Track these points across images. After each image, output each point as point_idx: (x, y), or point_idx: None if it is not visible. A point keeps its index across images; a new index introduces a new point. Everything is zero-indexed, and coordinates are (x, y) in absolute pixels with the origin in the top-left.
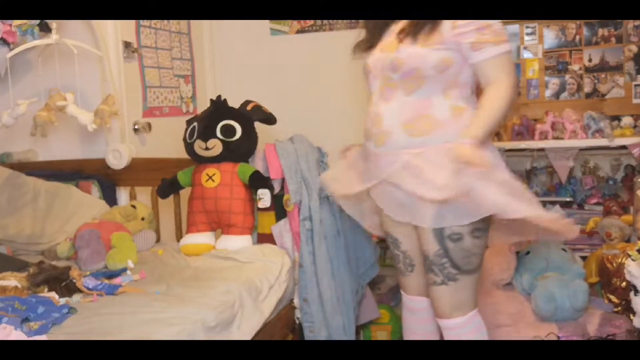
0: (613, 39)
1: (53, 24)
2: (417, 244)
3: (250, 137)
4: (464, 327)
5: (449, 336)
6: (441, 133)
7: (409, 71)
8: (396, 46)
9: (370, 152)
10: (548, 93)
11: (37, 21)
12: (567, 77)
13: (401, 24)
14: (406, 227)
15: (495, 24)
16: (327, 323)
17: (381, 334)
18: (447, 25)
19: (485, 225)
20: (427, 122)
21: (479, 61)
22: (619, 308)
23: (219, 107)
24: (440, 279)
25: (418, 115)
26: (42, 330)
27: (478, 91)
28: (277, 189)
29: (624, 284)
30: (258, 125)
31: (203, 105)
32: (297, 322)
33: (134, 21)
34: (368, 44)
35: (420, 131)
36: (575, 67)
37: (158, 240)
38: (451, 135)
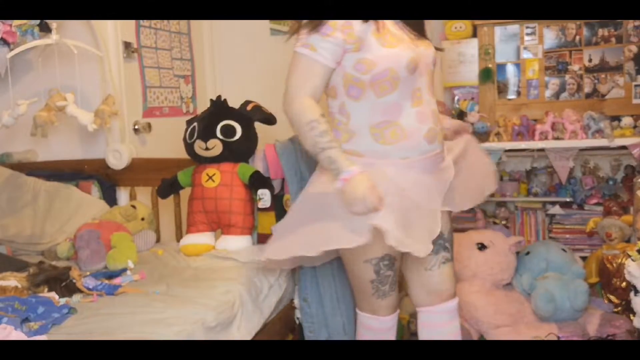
0: (613, 39)
1: (53, 24)
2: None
3: (250, 138)
4: (456, 310)
5: (442, 323)
6: None
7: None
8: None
9: (431, 155)
10: (548, 93)
11: (37, 21)
12: (567, 77)
13: (402, 23)
14: None
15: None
16: (327, 323)
17: None
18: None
19: None
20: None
21: None
22: (619, 308)
23: (219, 107)
24: (451, 254)
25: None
26: (42, 330)
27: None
28: (277, 189)
29: (624, 284)
30: (258, 125)
31: (203, 105)
32: (297, 322)
33: (134, 21)
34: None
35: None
36: (575, 67)
37: (158, 240)
38: None
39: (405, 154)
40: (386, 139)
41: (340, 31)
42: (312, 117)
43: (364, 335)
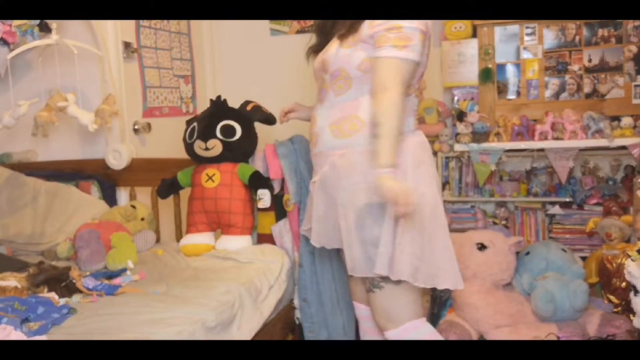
0: (613, 39)
1: (53, 24)
2: None
3: (250, 138)
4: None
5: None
6: (364, 135)
7: (335, 72)
8: (330, 47)
9: (313, 154)
10: (548, 93)
11: (37, 21)
12: (567, 77)
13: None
14: None
15: (408, 28)
16: (326, 323)
17: None
18: (365, 24)
19: None
20: (352, 123)
21: (375, 58)
22: (619, 308)
23: (219, 107)
24: (366, 286)
25: (345, 117)
26: (42, 330)
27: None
28: (276, 189)
29: (623, 284)
30: (258, 125)
31: (203, 105)
32: (297, 322)
33: (133, 21)
34: (315, 48)
35: (345, 133)
36: (575, 67)
37: (158, 240)
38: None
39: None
40: None
41: None
42: None
43: (361, 326)
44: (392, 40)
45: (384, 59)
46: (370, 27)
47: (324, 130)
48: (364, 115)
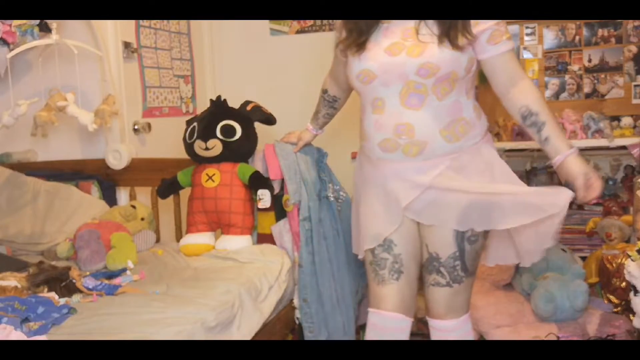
0: (613, 40)
1: (53, 24)
2: (413, 248)
3: (250, 138)
4: (455, 330)
5: (435, 337)
6: (472, 135)
7: (444, 75)
8: (420, 49)
9: (392, 165)
10: (548, 93)
11: (37, 21)
12: (566, 77)
13: (408, 23)
14: (407, 228)
15: (503, 21)
16: (326, 323)
17: None
18: (471, 24)
19: None
20: (462, 125)
21: (496, 55)
22: (619, 308)
23: (219, 108)
24: (446, 280)
25: (454, 120)
26: (41, 330)
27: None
28: (276, 190)
29: (623, 284)
30: (258, 125)
31: (203, 105)
32: (296, 322)
33: (133, 21)
34: (358, 46)
35: (457, 135)
36: (574, 67)
37: (158, 240)
38: (478, 135)
39: (369, 153)
40: (360, 135)
41: None
42: None
43: (368, 335)
44: (506, 33)
45: (508, 52)
46: (475, 25)
47: (434, 137)
48: (468, 115)
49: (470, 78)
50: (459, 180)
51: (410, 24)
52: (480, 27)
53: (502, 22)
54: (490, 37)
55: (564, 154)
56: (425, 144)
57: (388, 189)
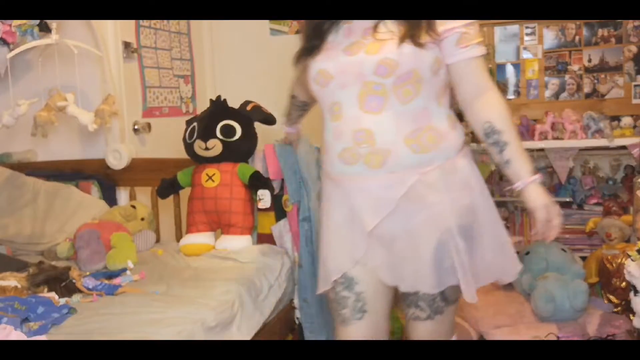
0: (613, 40)
1: (53, 24)
2: (377, 285)
3: (250, 138)
4: None
5: None
6: (444, 147)
7: (405, 74)
8: (378, 47)
9: (355, 181)
10: (548, 93)
11: (37, 21)
12: (566, 77)
13: (368, 22)
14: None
15: (475, 22)
16: (327, 324)
17: None
18: (435, 22)
19: None
20: (430, 134)
21: (464, 59)
22: (619, 308)
23: (219, 107)
24: (426, 314)
25: (421, 128)
26: (41, 330)
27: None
28: (276, 190)
29: (623, 284)
30: (258, 125)
31: (203, 105)
32: (297, 322)
33: (133, 21)
34: (313, 49)
35: (424, 146)
36: (574, 67)
37: (158, 240)
38: (452, 148)
39: (327, 168)
40: (321, 148)
41: None
42: None
43: None
44: (476, 37)
45: (477, 58)
46: (441, 25)
47: (397, 145)
48: (438, 125)
49: (441, 83)
50: (432, 200)
51: (371, 22)
52: (448, 26)
53: (473, 24)
54: (459, 39)
55: (525, 181)
56: (388, 153)
57: (351, 209)
